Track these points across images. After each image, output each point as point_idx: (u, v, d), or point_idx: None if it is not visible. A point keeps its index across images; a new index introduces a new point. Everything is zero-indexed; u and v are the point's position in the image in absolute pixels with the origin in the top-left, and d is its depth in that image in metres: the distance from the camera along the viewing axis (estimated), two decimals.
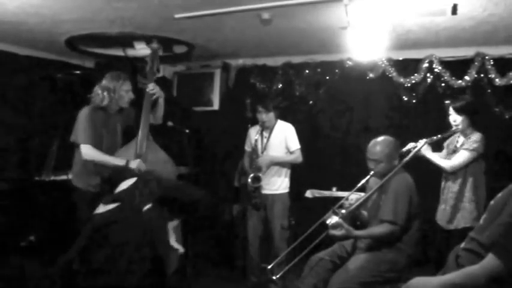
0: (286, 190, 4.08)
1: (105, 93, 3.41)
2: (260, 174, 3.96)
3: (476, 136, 3.35)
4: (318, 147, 5.01)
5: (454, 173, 3.40)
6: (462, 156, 3.34)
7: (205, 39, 4.36)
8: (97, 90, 3.44)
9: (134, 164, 3.25)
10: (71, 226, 3.43)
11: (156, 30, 3.98)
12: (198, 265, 4.46)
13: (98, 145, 3.40)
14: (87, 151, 3.32)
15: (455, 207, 3.38)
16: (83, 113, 3.43)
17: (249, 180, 3.96)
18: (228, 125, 5.18)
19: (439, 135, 3.42)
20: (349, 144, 4.88)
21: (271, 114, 4.01)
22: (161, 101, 3.67)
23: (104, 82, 3.46)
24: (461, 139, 3.45)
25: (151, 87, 3.58)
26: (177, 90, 5.57)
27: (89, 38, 4.23)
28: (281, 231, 3.98)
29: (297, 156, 4.03)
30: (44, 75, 4.86)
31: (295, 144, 4.04)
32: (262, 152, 4.02)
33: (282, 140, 4.04)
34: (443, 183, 3.51)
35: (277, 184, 4.03)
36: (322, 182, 4.43)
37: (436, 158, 3.43)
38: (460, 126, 3.39)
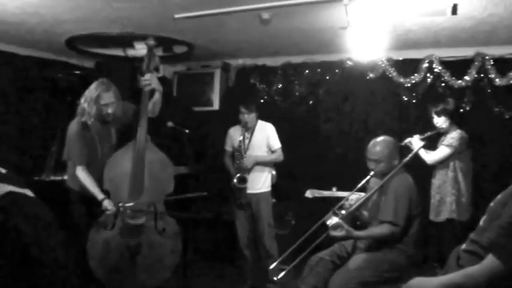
0: (269, 189, 4.14)
1: (85, 105, 3.23)
2: (246, 175, 3.99)
3: (454, 133, 3.77)
4: (317, 147, 5.01)
5: (439, 169, 3.82)
6: (440, 152, 3.78)
7: (205, 39, 4.36)
8: (81, 100, 3.29)
9: (108, 205, 3.16)
10: (71, 227, 3.43)
11: (156, 30, 3.98)
12: (198, 265, 4.46)
13: (93, 154, 3.35)
14: (80, 173, 3.26)
15: (439, 201, 3.80)
16: (72, 131, 3.30)
17: (235, 180, 4.00)
18: (228, 125, 5.17)
19: (429, 132, 3.89)
20: (349, 144, 4.88)
21: (253, 115, 4.07)
22: (158, 95, 3.46)
23: (87, 92, 3.29)
24: (442, 139, 3.86)
25: (147, 77, 3.33)
26: (177, 90, 5.57)
27: (89, 38, 4.23)
28: (269, 230, 4.05)
29: (279, 155, 4.10)
30: (44, 75, 4.86)
31: (276, 143, 4.11)
32: (245, 153, 4.05)
33: (263, 139, 4.09)
34: (431, 179, 3.90)
35: (261, 183, 4.08)
36: (322, 182, 4.43)
37: (422, 152, 3.80)
38: (443, 127, 3.83)
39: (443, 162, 3.78)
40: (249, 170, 4.03)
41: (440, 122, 3.84)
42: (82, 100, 3.29)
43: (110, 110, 3.30)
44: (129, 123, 3.52)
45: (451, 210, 3.72)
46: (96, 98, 3.25)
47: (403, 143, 3.78)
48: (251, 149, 4.07)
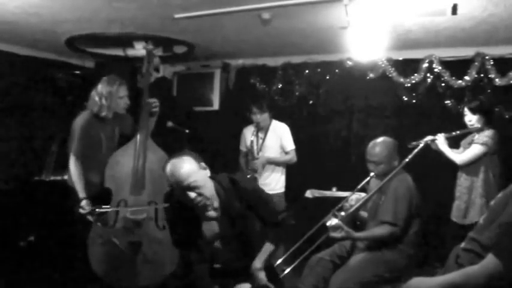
0: (282, 190, 4.10)
1: (102, 100, 3.36)
2: (256, 176, 3.96)
3: (488, 132, 3.51)
4: (317, 147, 5.01)
5: (467, 169, 3.55)
6: (472, 150, 3.49)
7: (205, 39, 4.35)
8: (93, 96, 3.39)
9: (85, 206, 3.21)
10: (71, 226, 3.43)
11: (156, 30, 3.98)
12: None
13: (97, 150, 3.39)
14: (72, 164, 3.30)
15: (468, 203, 3.54)
16: (78, 123, 3.36)
17: None
18: (228, 125, 5.17)
19: (458, 132, 3.58)
20: (349, 144, 4.88)
21: (266, 115, 4.03)
22: (154, 119, 3.59)
23: (100, 87, 3.40)
24: (476, 137, 3.57)
25: (156, 101, 3.49)
26: (177, 90, 5.57)
27: (89, 38, 4.23)
28: None
29: (292, 157, 4.06)
30: (44, 75, 4.86)
31: (290, 144, 4.07)
32: (258, 153, 4.01)
33: (277, 140, 4.05)
34: (457, 180, 3.65)
35: (273, 184, 4.05)
36: (322, 182, 4.43)
37: (449, 152, 3.56)
38: (475, 125, 3.56)
39: (475, 162, 3.50)
40: (261, 171, 3.97)
41: (473, 119, 3.58)
42: (96, 98, 3.38)
43: (127, 101, 3.50)
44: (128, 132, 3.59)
45: (480, 213, 3.40)
46: (114, 92, 3.40)
47: (423, 141, 3.41)
48: (264, 150, 4.03)
